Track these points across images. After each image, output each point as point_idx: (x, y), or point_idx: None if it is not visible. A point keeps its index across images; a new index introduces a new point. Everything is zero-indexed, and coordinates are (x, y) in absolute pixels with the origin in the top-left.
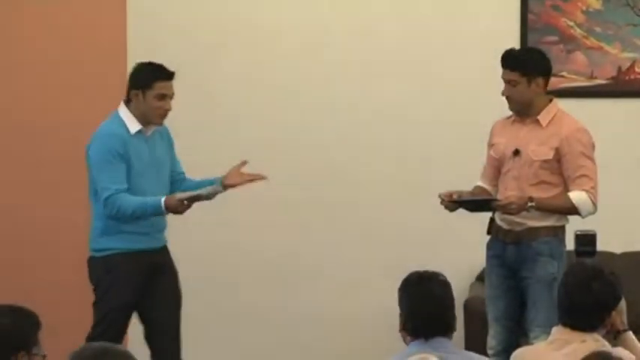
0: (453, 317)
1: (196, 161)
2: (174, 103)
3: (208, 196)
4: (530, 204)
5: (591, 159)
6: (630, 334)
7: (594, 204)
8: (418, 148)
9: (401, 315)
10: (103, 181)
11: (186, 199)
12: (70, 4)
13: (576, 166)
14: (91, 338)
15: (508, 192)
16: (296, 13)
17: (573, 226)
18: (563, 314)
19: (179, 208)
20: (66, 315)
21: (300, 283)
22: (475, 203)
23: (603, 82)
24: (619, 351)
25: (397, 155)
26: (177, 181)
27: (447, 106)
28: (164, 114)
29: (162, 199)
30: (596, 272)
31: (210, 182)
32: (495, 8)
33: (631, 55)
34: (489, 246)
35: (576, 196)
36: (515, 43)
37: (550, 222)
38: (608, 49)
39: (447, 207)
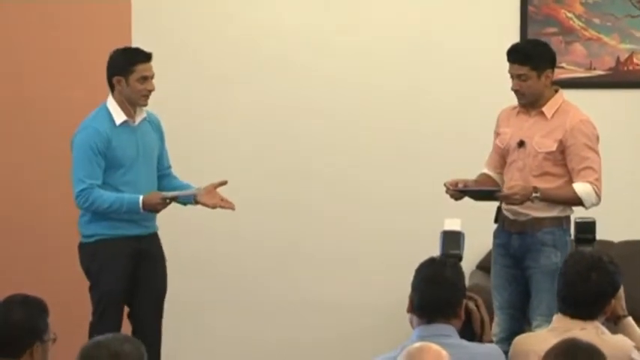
0: (459, 302)
1: (200, 158)
2: (175, 96)
3: (185, 199)
4: (534, 194)
5: (595, 151)
6: (630, 319)
7: (598, 195)
8: (420, 136)
9: (410, 296)
10: (79, 174)
11: (169, 198)
12: (77, 4)
13: (580, 158)
14: (92, 323)
15: (513, 182)
16: (299, 9)
17: (573, 213)
18: (562, 303)
19: (158, 207)
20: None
21: (301, 272)
22: (480, 193)
23: (602, 73)
24: (619, 338)
25: (399, 144)
26: (163, 175)
27: (449, 95)
28: (148, 94)
29: (141, 198)
30: (595, 262)
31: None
32: (497, 0)
33: (629, 46)
34: (496, 235)
35: (580, 187)
36: (515, 35)
37: (554, 213)
38: (606, 40)
39: (452, 196)
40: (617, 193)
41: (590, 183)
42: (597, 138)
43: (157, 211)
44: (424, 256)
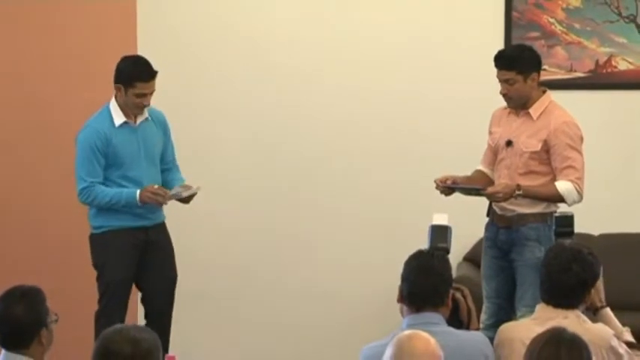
0: (446, 291)
1: (202, 155)
2: (178, 97)
3: (186, 197)
4: (517, 192)
5: (578, 151)
6: (608, 309)
7: (579, 193)
8: (412, 135)
9: (400, 286)
10: (80, 173)
11: (160, 193)
12: (84, 5)
13: (563, 158)
14: (98, 311)
15: (501, 180)
16: (299, 13)
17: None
18: (545, 293)
19: (147, 199)
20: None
21: (297, 262)
22: (467, 190)
23: (582, 75)
24: (600, 326)
25: (393, 143)
26: (166, 169)
27: (439, 96)
28: (143, 108)
29: (138, 192)
30: (575, 253)
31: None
32: (483, 6)
33: (608, 49)
34: (486, 228)
35: (562, 185)
36: (500, 39)
37: (539, 209)
38: (586, 44)
39: (442, 192)
40: (597, 189)
41: (572, 181)
42: (581, 139)
43: (156, 201)
44: (416, 248)
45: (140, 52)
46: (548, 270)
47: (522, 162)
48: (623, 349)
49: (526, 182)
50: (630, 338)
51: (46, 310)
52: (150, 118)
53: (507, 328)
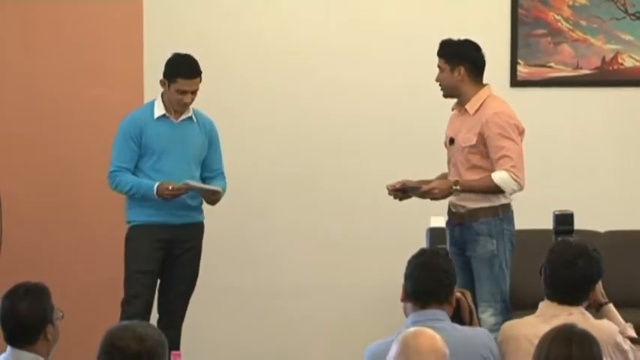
0: (450, 288)
1: None
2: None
3: (200, 190)
4: (454, 187)
5: (511, 139)
6: (611, 305)
7: (517, 182)
8: (414, 130)
9: (404, 285)
10: (112, 157)
11: (176, 188)
12: (91, 4)
13: (497, 148)
14: (122, 303)
15: (450, 177)
16: (301, 12)
17: (553, 206)
18: (549, 289)
19: (165, 193)
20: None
21: (303, 259)
22: (414, 190)
23: (588, 72)
24: (605, 322)
25: (398, 138)
26: (209, 177)
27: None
28: (183, 105)
29: (155, 185)
30: (581, 250)
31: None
32: (489, 3)
33: (614, 47)
34: (446, 226)
35: (497, 175)
36: (506, 36)
37: (487, 203)
38: (593, 41)
39: (395, 197)
40: (603, 186)
41: (507, 170)
42: (516, 127)
43: (172, 197)
44: (422, 244)
45: (146, 52)
46: (553, 266)
47: (464, 157)
48: (627, 345)
49: (471, 177)
50: (633, 334)
51: (51, 307)
52: (195, 120)
53: (512, 326)
